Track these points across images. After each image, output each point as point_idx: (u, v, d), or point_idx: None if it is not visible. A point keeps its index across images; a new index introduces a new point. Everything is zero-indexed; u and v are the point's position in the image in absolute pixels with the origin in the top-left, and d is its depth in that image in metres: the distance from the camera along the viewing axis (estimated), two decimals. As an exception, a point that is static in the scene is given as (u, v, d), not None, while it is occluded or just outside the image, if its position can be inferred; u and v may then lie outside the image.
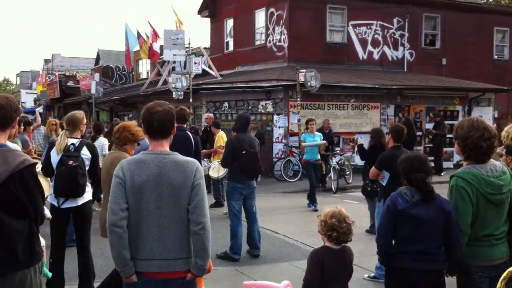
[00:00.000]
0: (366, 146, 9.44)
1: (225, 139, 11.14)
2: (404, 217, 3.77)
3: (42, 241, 3.72)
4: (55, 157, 5.70)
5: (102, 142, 9.93)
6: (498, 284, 2.83)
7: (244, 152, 7.70)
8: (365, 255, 7.84)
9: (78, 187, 5.64)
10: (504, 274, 2.83)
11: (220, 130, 11.79)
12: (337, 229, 3.75)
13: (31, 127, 11.54)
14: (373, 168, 6.72)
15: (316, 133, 12.51)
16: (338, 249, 3.80)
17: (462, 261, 3.72)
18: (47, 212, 4.60)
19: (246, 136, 7.99)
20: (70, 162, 5.62)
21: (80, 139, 5.87)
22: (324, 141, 12.46)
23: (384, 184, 6.59)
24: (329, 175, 14.94)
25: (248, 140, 7.89)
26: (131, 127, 5.44)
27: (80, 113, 6.05)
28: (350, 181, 16.14)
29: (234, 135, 8.29)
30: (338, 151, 17.02)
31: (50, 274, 4.59)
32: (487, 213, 3.68)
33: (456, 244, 3.69)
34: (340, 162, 15.86)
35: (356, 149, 13.30)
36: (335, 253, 3.76)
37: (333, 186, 14.70)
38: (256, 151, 7.89)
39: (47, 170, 5.78)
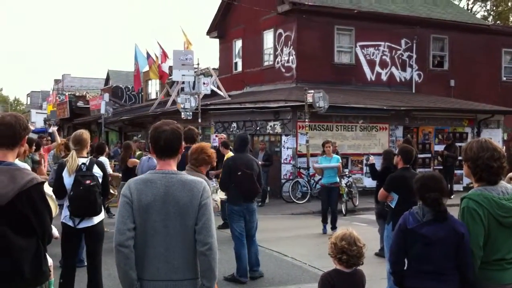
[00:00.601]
0: (377, 166, 9.37)
1: None
2: (414, 236, 3.73)
3: (50, 261, 3.70)
4: (68, 178, 5.71)
5: (103, 161, 10.03)
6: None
7: (239, 173, 7.60)
8: (374, 278, 7.73)
9: (96, 206, 5.70)
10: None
11: (229, 150, 11.79)
12: (347, 252, 3.71)
13: (51, 146, 11.62)
14: (381, 190, 6.66)
15: (334, 155, 12.05)
16: (349, 272, 3.75)
17: (474, 284, 3.66)
18: (55, 231, 4.58)
19: (243, 156, 7.85)
20: (88, 182, 5.65)
21: (89, 158, 5.92)
22: (337, 164, 11.86)
23: (393, 206, 6.53)
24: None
25: (245, 160, 7.75)
26: (208, 149, 5.71)
27: (86, 133, 6.09)
28: (357, 203, 16.00)
29: (230, 156, 8.24)
30: (346, 173, 16.91)
31: (57, 294, 4.57)
32: (498, 236, 3.63)
33: (469, 266, 3.64)
34: (348, 183, 15.74)
35: (366, 169, 13.14)
36: (346, 276, 3.71)
37: (343, 209, 14.56)
38: (252, 171, 7.69)
39: (60, 191, 5.72)
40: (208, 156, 5.64)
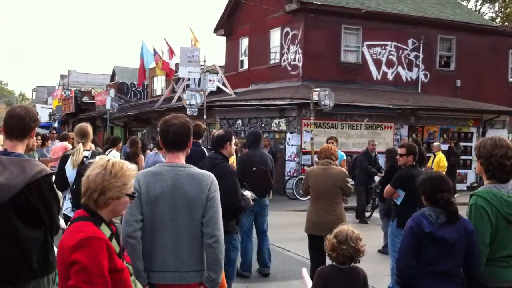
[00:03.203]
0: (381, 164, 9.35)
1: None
2: (430, 239, 3.68)
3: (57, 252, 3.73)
4: (71, 171, 5.68)
5: (114, 155, 10.02)
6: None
7: (254, 169, 7.63)
8: (377, 275, 7.75)
9: None
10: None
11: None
12: (336, 250, 3.66)
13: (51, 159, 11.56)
14: (388, 186, 6.67)
15: (339, 152, 11.14)
16: (345, 268, 3.67)
17: (480, 281, 3.67)
18: (62, 223, 4.61)
19: (257, 152, 7.87)
20: None
21: (91, 151, 5.89)
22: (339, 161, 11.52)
23: (398, 203, 6.54)
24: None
25: (259, 156, 7.77)
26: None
27: (89, 126, 6.07)
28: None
29: (245, 151, 8.24)
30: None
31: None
32: (506, 234, 3.62)
33: (478, 265, 3.63)
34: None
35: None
36: (341, 272, 3.63)
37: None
38: (266, 168, 7.72)
39: (62, 184, 5.72)
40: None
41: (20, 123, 3.42)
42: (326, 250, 3.68)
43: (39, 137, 10.46)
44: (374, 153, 13.08)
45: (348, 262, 3.65)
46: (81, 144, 5.85)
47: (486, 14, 42.32)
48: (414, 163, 6.63)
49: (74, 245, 2.51)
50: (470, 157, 20.35)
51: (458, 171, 18.99)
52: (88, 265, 2.48)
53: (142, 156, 10.55)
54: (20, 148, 3.43)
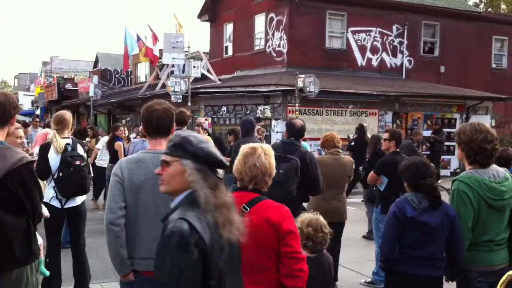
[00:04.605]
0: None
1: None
2: (412, 224, 3.73)
3: (40, 240, 3.69)
4: (54, 158, 5.56)
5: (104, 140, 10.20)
6: (498, 287, 2.82)
7: None
8: (362, 260, 7.83)
9: (86, 187, 5.71)
10: (504, 278, 2.81)
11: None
12: (312, 239, 3.66)
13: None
14: (371, 173, 6.70)
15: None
16: (313, 257, 3.68)
17: (462, 266, 3.71)
18: (45, 211, 4.56)
19: (251, 140, 7.86)
20: (77, 162, 5.58)
21: (71, 138, 5.81)
22: None
23: (382, 189, 6.57)
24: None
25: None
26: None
27: (69, 114, 5.98)
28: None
29: (234, 140, 8.19)
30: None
31: (47, 273, 4.56)
32: (488, 218, 3.66)
33: (460, 249, 3.67)
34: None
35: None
36: (310, 261, 3.58)
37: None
38: None
39: (44, 172, 5.55)
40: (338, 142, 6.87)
41: (0, 110, 3.36)
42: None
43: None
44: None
45: (321, 250, 3.67)
46: (54, 131, 5.73)
47: (470, 0, 42.48)
48: (397, 150, 6.65)
49: (285, 218, 2.98)
50: (454, 143, 20.49)
51: (442, 157, 19.15)
52: (297, 231, 3.04)
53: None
54: (0, 136, 3.37)
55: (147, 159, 3.32)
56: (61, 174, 5.57)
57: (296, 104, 17.28)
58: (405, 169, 3.94)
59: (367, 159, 8.42)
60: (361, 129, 10.00)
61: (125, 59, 26.54)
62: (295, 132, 6.06)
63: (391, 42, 23.11)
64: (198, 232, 2.16)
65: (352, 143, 12.82)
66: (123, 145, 10.86)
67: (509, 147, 6.37)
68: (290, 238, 2.93)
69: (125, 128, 12.16)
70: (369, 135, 12.05)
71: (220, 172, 10.19)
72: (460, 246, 3.66)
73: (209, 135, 12.53)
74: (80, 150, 5.74)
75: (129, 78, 36.70)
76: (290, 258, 2.93)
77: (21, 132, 5.36)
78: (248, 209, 2.98)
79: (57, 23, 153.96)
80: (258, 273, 2.95)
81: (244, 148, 3.15)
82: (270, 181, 3.11)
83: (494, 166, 3.74)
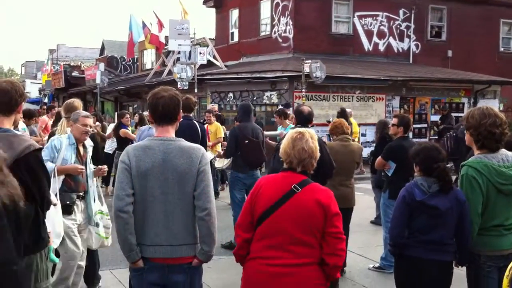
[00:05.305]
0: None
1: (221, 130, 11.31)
2: (422, 208, 3.72)
3: (48, 227, 3.70)
4: None
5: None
6: (506, 272, 2.80)
7: (246, 141, 7.65)
8: (370, 245, 7.83)
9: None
10: (513, 262, 2.79)
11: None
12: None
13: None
14: (379, 158, 6.67)
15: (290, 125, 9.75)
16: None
17: (471, 250, 3.70)
18: (53, 198, 4.57)
19: (249, 125, 7.88)
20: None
21: None
22: (278, 132, 10.62)
23: (389, 174, 6.55)
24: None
25: (251, 129, 7.80)
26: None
27: (78, 101, 5.96)
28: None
29: (237, 124, 8.22)
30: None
31: (57, 260, 4.57)
32: (497, 203, 3.65)
33: (468, 234, 3.67)
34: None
35: (363, 139, 12.98)
36: None
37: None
38: (259, 140, 7.79)
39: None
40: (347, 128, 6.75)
41: (6, 98, 3.35)
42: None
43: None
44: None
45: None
46: (64, 119, 5.73)
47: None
48: (405, 135, 6.62)
49: (333, 201, 3.21)
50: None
51: (449, 141, 19.03)
52: (340, 214, 3.24)
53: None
54: (7, 123, 3.37)
55: (154, 146, 3.31)
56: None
57: (303, 90, 17.22)
58: (416, 153, 3.93)
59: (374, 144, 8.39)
60: (342, 113, 9.94)
61: (130, 47, 26.46)
62: (303, 119, 6.12)
63: (398, 26, 22.92)
64: None
65: None
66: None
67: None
68: (336, 219, 3.18)
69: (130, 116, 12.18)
70: (352, 121, 11.99)
71: (211, 156, 10.02)
72: (469, 231, 3.65)
73: (218, 120, 12.50)
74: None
75: (136, 65, 36.68)
76: (335, 238, 3.17)
77: (90, 121, 5.34)
78: (300, 189, 3.19)
79: (63, 10, 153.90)
80: (303, 248, 3.17)
81: (292, 132, 3.35)
82: (315, 164, 3.31)
83: (503, 151, 3.72)
